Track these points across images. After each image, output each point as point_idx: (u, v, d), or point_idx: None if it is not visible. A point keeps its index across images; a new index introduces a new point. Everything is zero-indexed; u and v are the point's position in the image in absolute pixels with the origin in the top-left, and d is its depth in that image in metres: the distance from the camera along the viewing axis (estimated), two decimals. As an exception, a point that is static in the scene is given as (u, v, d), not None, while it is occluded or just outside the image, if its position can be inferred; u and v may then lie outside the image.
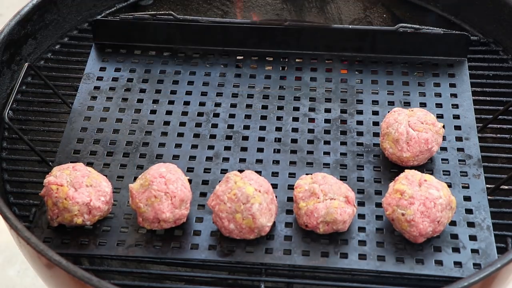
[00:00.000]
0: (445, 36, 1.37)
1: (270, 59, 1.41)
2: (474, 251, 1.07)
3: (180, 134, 1.26)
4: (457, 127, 1.26)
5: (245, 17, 1.67)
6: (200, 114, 1.30)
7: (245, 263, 1.07)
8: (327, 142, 1.24)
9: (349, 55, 1.40)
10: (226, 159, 1.22)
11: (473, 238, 1.09)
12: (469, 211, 1.13)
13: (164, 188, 1.06)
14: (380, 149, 1.20)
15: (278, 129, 1.27)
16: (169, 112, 1.30)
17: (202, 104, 1.32)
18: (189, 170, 1.20)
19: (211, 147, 1.24)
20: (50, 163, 1.22)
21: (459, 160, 1.20)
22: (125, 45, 1.43)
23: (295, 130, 1.27)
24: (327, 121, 1.28)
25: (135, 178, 1.17)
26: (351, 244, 1.08)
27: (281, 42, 1.40)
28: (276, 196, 1.12)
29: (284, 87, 1.35)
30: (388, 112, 1.21)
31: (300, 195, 1.08)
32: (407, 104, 1.31)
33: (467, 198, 1.14)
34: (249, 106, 1.32)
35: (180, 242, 1.09)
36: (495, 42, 1.45)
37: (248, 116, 1.29)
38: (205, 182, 1.18)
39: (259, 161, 1.22)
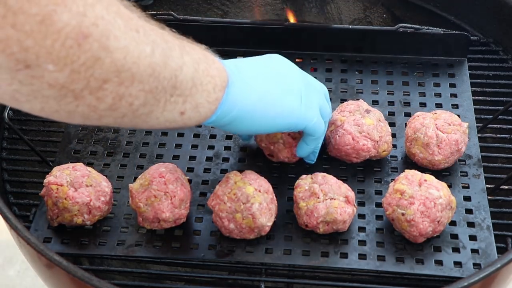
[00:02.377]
0: (445, 36, 1.36)
1: (270, 59, 1.41)
2: (474, 251, 1.07)
3: (180, 134, 1.26)
4: (457, 127, 1.26)
5: (245, 17, 1.67)
6: (200, 114, 1.30)
7: (245, 263, 1.07)
8: (327, 142, 1.24)
9: (349, 55, 1.40)
10: (226, 159, 1.22)
11: (473, 238, 1.09)
12: (469, 211, 1.12)
13: (164, 187, 1.06)
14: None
15: (278, 129, 1.27)
16: (169, 112, 1.30)
17: (202, 104, 1.32)
18: (189, 170, 1.20)
19: (211, 147, 1.24)
20: (50, 163, 1.22)
21: (459, 160, 1.20)
22: (125, 45, 1.42)
23: (295, 130, 1.27)
24: (327, 121, 1.28)
25: (135, 178, 1.17)
26: (351, 244, 1.08)
27: (281, 42, 1.40)
28: (276, 196, 1.12)
29: (284, 87, 1.35)
30: (411, 117, 1.19)
31: (300, 195, 1.08)
32: (407, 104, 1.30)
33: (467, 198, 1.14)
34: (249, 106, 1.31)
35: (180, 242, 1.09)
36: (495, 42, 1.45)
37: (248, 116, 1.29)
38: (205, 182, 1.18)
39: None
